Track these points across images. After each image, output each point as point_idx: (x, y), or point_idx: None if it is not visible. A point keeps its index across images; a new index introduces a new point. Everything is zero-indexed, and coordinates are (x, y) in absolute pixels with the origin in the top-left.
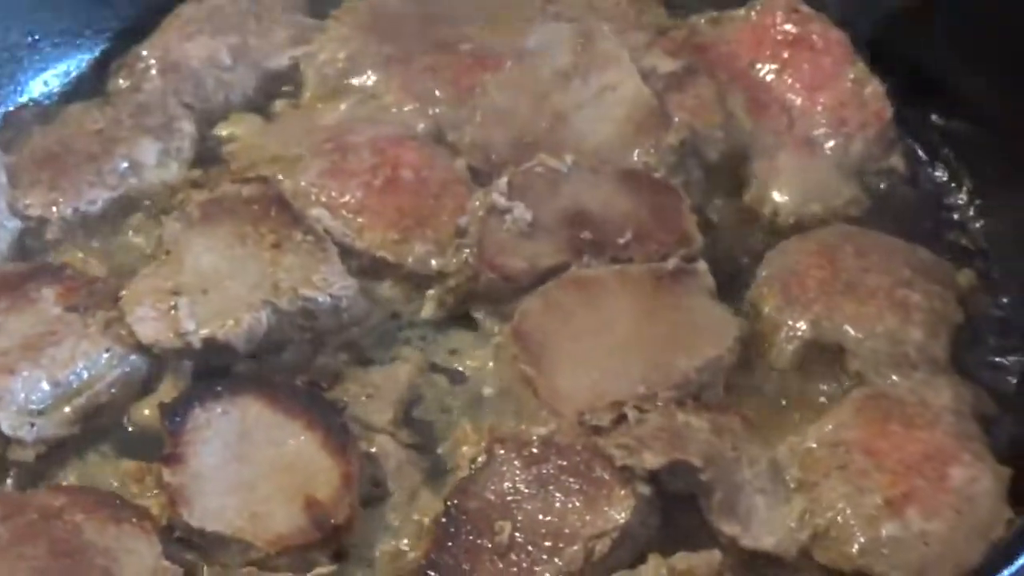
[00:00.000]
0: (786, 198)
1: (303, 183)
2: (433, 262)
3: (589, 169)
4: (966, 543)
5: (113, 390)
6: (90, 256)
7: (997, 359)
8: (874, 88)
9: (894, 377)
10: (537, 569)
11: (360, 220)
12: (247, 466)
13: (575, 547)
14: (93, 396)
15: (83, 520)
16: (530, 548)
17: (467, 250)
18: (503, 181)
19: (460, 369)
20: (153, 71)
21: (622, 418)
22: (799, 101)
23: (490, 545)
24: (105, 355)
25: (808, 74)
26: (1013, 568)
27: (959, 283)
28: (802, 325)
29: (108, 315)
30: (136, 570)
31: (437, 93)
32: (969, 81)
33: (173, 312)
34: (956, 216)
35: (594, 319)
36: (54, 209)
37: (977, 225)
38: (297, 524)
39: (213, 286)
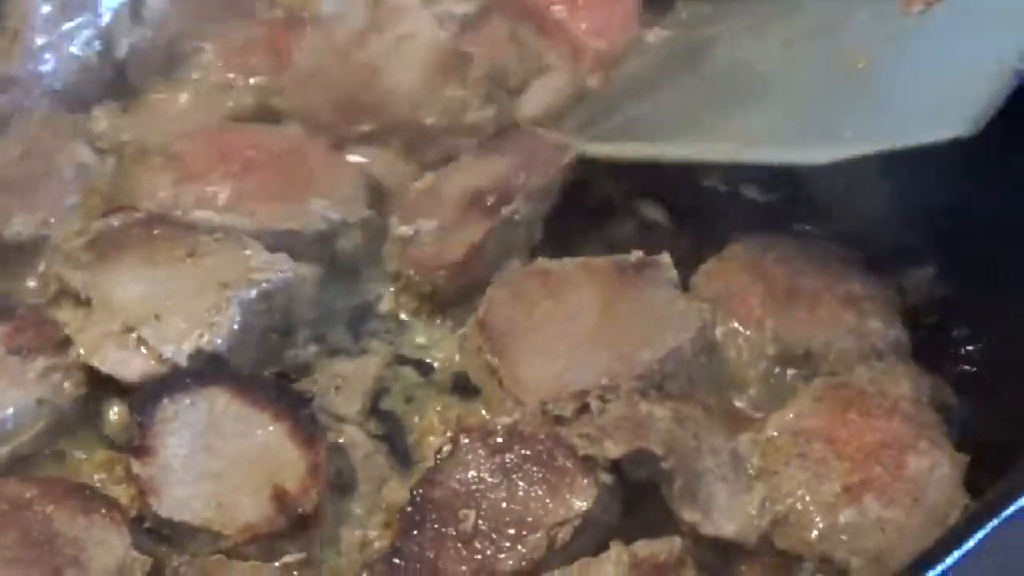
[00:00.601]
0: None
1: (162, 194)
2: (331, 215)
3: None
4: (923, 529)
5: (42, 439)
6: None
7: (954, 349)
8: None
9: (859, 369)
10: (501, 556)
11: (245, 205)
12: (215, 457)
13: (538, 535)
14: (18, 446)
15: (53, 510)
16: (494, 536)
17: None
18: (394, 219)
19: (428, 360)
20: None
21: (585, 408)
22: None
23: (455, 533)
24: (33, 406)
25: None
26: (963, 550)
27: (917, 275)
28: (763, 344)
29: (48, 362)
30: (106, 560)
31: (254, 62)
32: None
33: (141, 345)
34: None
35: (558, 310)
36: None
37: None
38: (265, 513)
39: (161, 310)
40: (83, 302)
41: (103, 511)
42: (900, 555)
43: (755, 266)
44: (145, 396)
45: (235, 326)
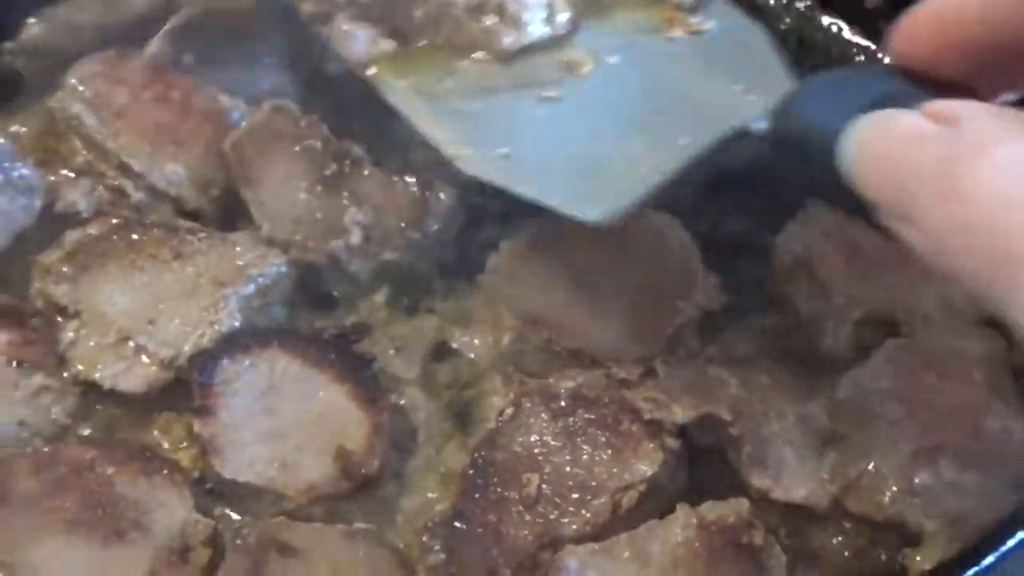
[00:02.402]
0: None
1: (73, 80)
2: (177, 185)
3: None
4: (999, 493)
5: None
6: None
7: None
8: None
9: (933, 330)
10: (564, 521)
11: (118, 123)
12: (277, 418)
13: (602, 499)
14: None
15: (114, 473)
16: (557, 500)
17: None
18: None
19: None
20: None
21: (650, 371)
22: None
23: (517, 497)
24: (12, 428)
25: None
26: None
27: None
28: (847, 310)
29: (44, 381)
30: (168, 523)
31: None
32: None
33: (140, 353)
34: None
35: (570, 264)
36: None
37: None
38: (328, 474)
39: (155, 316)
40: (73, 316)
41: (165, 473)
42: (975, 519)
43: (837, 230)
44: (204, 357)
45: (235, 323)
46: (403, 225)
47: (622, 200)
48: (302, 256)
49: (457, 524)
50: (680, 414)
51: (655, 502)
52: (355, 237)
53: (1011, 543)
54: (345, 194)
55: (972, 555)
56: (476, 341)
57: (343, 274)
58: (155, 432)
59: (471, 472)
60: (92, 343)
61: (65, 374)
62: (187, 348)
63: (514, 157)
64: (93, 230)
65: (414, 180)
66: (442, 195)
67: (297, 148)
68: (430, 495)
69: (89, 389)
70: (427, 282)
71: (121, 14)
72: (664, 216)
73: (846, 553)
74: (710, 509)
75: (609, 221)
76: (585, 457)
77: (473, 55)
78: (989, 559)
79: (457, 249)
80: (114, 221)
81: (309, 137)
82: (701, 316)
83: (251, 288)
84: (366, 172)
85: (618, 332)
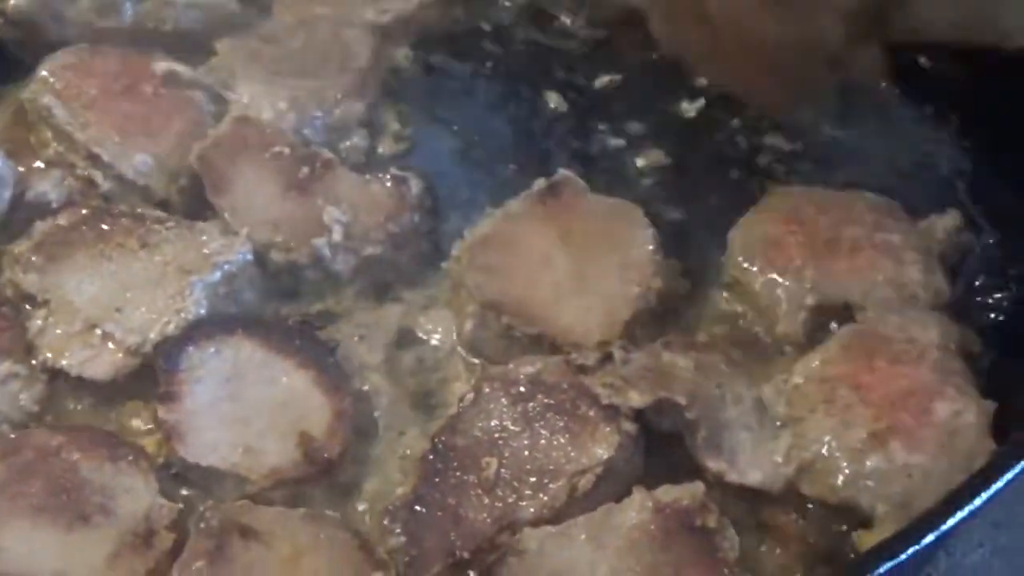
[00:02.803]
0: None
1: (44, 72)
2: (144, 174)
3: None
4: (949, 475)
5: None
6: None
7: (981, 298)
8: None
9: (887, 316)
10: (522, 504)
11: (88, 114)
12: (241, 404)
13: (560, 483)
14: None
15: (80, 458)
16: (516, 484)
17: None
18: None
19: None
20: None
21: (608, 357)
22: None
23: (476, 481)
24: None
25: None
26: (991, 491)
27: (945, 224)
28: (802, 294)
29: (12, 368)
30: (133, 507)
31: None
32: None
33: (107, 341)
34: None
35: (532, 251)
36: None
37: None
38: (291, 458)
39: (122, 304)
40: (41, 304)
41: (130, 458)
42: (926, 501)
43: (795, 215)
44: (169, 344)
45: (201, 311)
46: (382, 220)
47: None
48: (285, 257)
49: (417, 508)
50: (637, 399)
51: (612, 486)
52: (336, 234)
53: (952, 522)
54: (320, 195)
55: (914, 534)
56: (439, 328)
57: (323, 270)
58: (121, 418)
59: (431, 457)
60: (60, 331)
61: (33, 362)
62: (153, 335)
63: None
64: (62, 220)
65: (387, 176)
66: (413, 188)
67: (266, 155)
68: (391, 479)
69: (56, 376)
70: (395, 271)
71: (112, 19)
72: (624, 203)
73: (799, 534)
74: (665, 492)
75: None
76: (543, 441)
77: None
78: (929, 538)
79: (429, 239)
80: (83, 211)
81: (276, 144)
82: (659, 301)
83: (217, 276)
84: (338, 172)
85: (577, 318)
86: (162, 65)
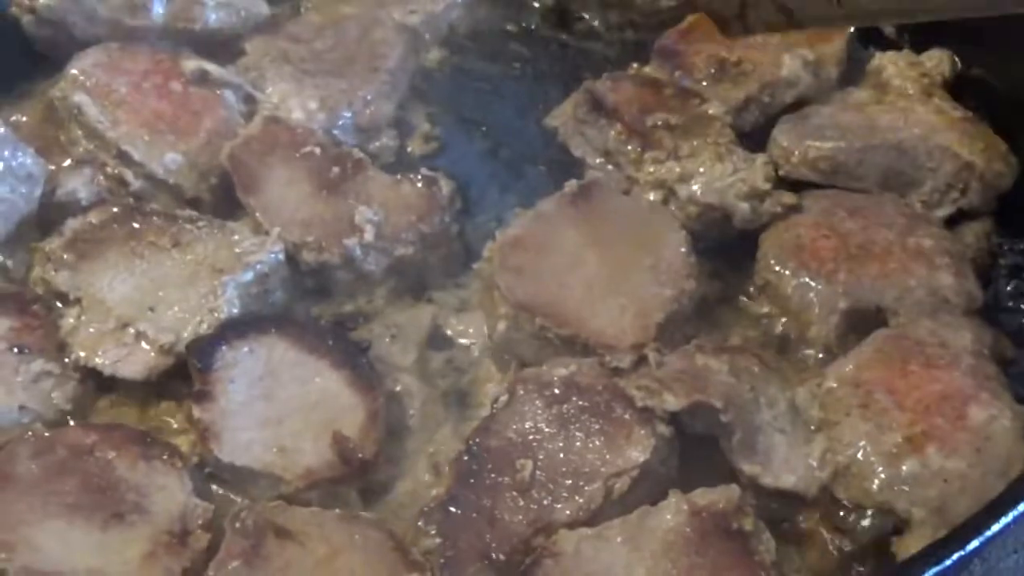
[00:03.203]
0: None
1: (74, 71)
2: (175, 172)
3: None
4: (984, 480)
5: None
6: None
7: (1014, 302)
8: None
9: (922, 320)
10: (558, 507)
11: (118, 112)
12: (275, 403)
13: (595, 485)
14: None
15: (114, 457)
16: (551, 486)
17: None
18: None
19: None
20: None
21: (643, 359)
22: None
23: (511, 483)
24: (14, 413)
25: None
26: None
27: (976, 228)
28: (835, 298)
29: (45, 366)
30: (167, 506)
31: None
32: None
33: (140, 340)
34: None
35: (563, 252)
36: None
37: None
38: (325, 459)
39: (154, 302)
40: (74, 303)
41: (164, 457)
42: (961, 506)
43: (827, 219)
44: (203, 343)
45: (233, 310)
46: (413, 220)
47: None
48: (317, 257)
49: (452, 509)
50: (672, 402)
51: (647, 488)
52: (368, 235)
53: (995, 528)
54: (351, 195)
55: (956, 540)
56: (471, 329)
57: (354, 270)
58: (155, 417)
59: (466, 458)
60: (92, 329)
61: (66, 360)
62: (186, 334)
63: None
64: (93, 218)
65: (417, 177)
66: (444, 188)
67: (297, 155)
68: (423, 480)
69: (89, 375)
70: (428, 272)
71: (142, 18)
72: (656, 205)
73: (834, 538)
74: (701, 495)
75: None
76: (578, 444)
77: None
78: (974, 544)
79: (460, 240)
80: (114, 209)
81: (307, 144)
82: (692, 304)
83: (249, 275)
84: (369, 173)
85: (610, 319)
86: (192, 63)
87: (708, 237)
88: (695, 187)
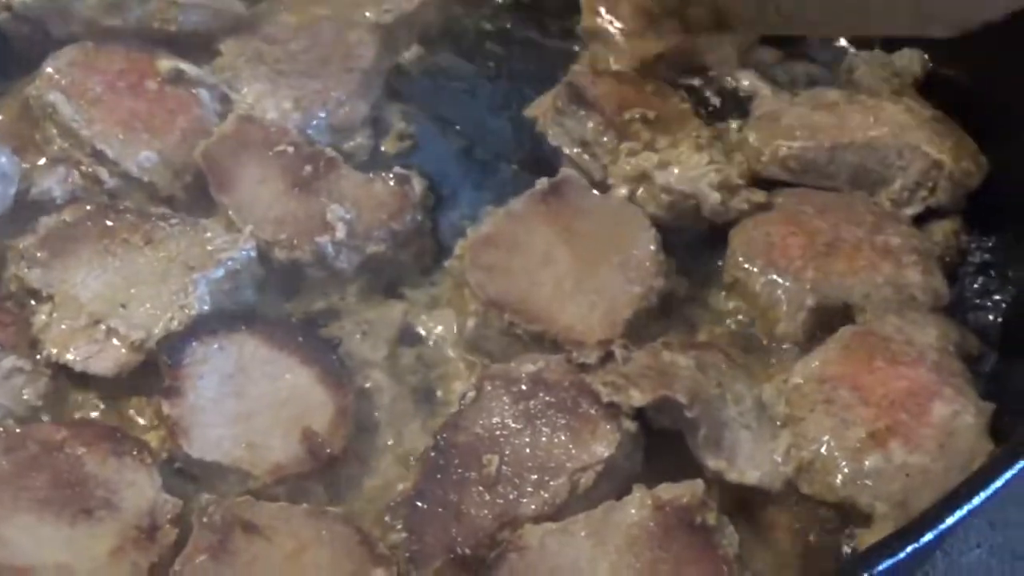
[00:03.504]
0: None
1: (49, 69)
2: (149, 170)
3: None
4: (947, 475)
5: None
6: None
7: (980, 300)
8: None
9: (887, 317)
10: (524, 501)
11: (93, 111)
12: (244, 400)
13: (560, 480)
14: None
15: (84, 453)
16: (517, 481)
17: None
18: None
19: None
20: None
21: (609, 356)
22: None
23: (478, 478)
24: None
25: None
26: (989, 491)
27: (944, 226)
28: (803, 295)
29: (16, 363)
30: (137, 502)
31: None
32: None
33: (112, 336)
34: None
35: (534, 250)
36: None
37: None
38: (294, 454)
39: (126, 298)
40: (46, 299)
41: (134, 453)
42: (924, 500)
43: (794, 216)
44: (173, 339)
45: (204, 307)
46: (385, 218)
47: None
48: (289, 255)
49: (419, 503)
50: (638, 397)
51: (612, 483)
52: (340, 232)
53: (950, 521)
54: (324, 193)
55: (913, 532)
56: (441, 326)
57: (326, 268)
58: (125, 413)
59: (433, 453)
60: (64, 326)
61: (37, 356)
62: (157, 331)
63: None
64: (67, 216)
65: (390, 175)
66: (416, 186)
67: (270, 153)
68: (391, 476)
69: (61, 371)
70: (399, 269)
71: (118, 17)
72: (626, 203)
73: (798, 532)
74: (665, 490)
75: None
76: (544, 439)
77: None
78: (928, 536)
79: (432, 237)
80: (88, 207)
81: (280, 142)
82: (660, 301)
83: (221, 272)
84: (342, 171)
85: (579, 316)
86: (167, 63)
87: (678, 231)
88: (671, 175)
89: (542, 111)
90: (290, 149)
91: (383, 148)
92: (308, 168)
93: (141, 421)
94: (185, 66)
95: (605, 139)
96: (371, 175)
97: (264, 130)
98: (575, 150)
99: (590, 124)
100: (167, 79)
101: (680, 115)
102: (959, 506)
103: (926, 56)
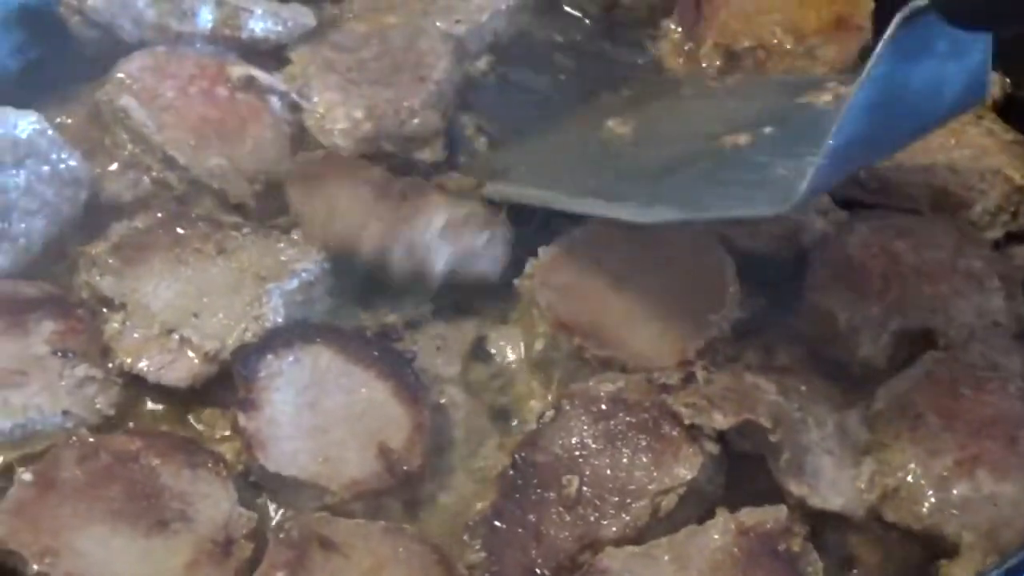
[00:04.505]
0: None
1: (120, 74)
2: (220, 177)
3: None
4: None
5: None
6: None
7: None
8: None
9: (972, 343)
10: (604, 523)
11: (164, 117)
12: (320, 413)
13: (642, 502)
14: (27, 453)
15: (159, 464)
16: (597, 502)
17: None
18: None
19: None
20: None
21: (691, 377)
22: None
23: (557, 498)
24: (58, 418)
25: None
26: None
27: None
28: (884, 319)
29: (89, 372)
30: (212, 515)
31: None
32: None
33: (185, 346)
34: None
35: (606, 273)
36: None
37: None
38: (371, 470)
39: (199, 308)
40: (118, 307)
41: (209, 465)
42: (1012, 531)
43: (877, 238)
44: (248, 351)
45: (278, 318)
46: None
47: None
48: (379, 245)
49: (497, 523)
50: (720, 420)
51: (694, 506)
52: (438, 222)
53: None
54: (409, 221)
55: (1007, 568)
56: (511, 344)
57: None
58: (200, 424)
59: (511, 472)
60: (136, 335)
61: (110, 365)
62: (231, 342)
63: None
64: (138, 222)
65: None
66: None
67: (358, 179)
68: (467, 493)
69: (133, 380)
70: (476, 289)
71: (189, 24)
72: (701, 230)
73: (882, 562)
74: (749, 515)
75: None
76: (625, 460)
77: None
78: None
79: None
80: (159, 215)
81: (366, 172)
82: (732, 330)
83: (294, 283)
84: (430, 195)
85: (649, 343)
86: (239, 69)
87: (759, 256)
88: None
89: None
90: (376, 176)
91: (462, 159)
92: (396, 188)
93: (217, 433)
94: (256, 72)
95: None
96: (458, 201)
97: (350, 160)
98: None
99: None
100: (238, 86)
101: None
102: None
103: (1007, 79)
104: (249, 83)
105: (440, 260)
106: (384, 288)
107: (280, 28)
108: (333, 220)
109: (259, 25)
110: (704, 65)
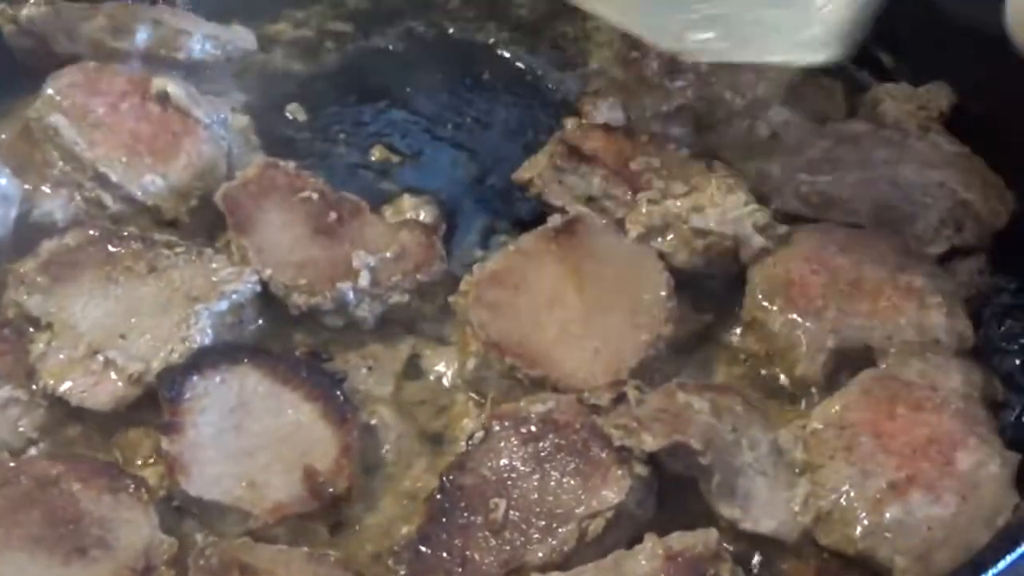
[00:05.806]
0: None
1: (50, 90)
2: (153, 194)
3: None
4: (971, 528)
5: None
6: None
7: (1005, 344)
8: None
9: (911, 361)
10: (531, 548)
11: (95, 134)
12: (246, 436)
13: (569, 526)
14: None
15: (79, 489)
16: (524, 526)
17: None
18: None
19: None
20: None
21: (622, 397)
22: None
23: (484, 522)
24: None
25: None
26: (1017, 553)
27: (969, 266)
28: (823, 336)
29: (12, 393)
30: (132, 540)
31: None
32: None
33: (109, 368)
34: None
35: (541, 290)
36: None
37: None
38: (296, 493)
39: (126, 329)
40: (45, 327)
41: (131, 490)
42: (946, 554)
43: (817, 254)
44: (173, 372)
45: (206, 339)
46: (411, 268)
47: None
48: (308, 300)
49: (423, 548)
50: (650, 442)
51: (623, 531)
52: (363, 280)
53: None
54: (348, 240)
55: None
56: (443, 364)
57: (346, 316)
58: (123, 448)
59: (439, 496)
60: (62, 356)
61: (34, 387)
62: (156, 363)
63: None
64: (70, 240)
65: (417, 225)
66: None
67: (293, 199)
68: (395, 515)
69: (57, 402)
70: (417, 317)
71: (125, 41)
72: (642, 246)
73: None
74: (678, 539)
75: None
76: (553, 483)
77: None
78: None
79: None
80: (91, 232)
81: (305, 188)
82: (669, 348)
83: (224, 305)
84: (367, 219)
85: (582, 362)
86: (159, 82)
87: (697, 273)
88: (708, 219)
89: (536, 172)
90: (314, 195)
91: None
92: (332, 215)
93: (139, 457)
94: (173, 89)
95: (617, 192)
96: (397, 222)
97: (288, 176)
98: (581, 209)
99: (595, 179)
100: (155, 99)
101: (681, 161)
102: (987, 568)
103: (953, 90)
104: (164, 97)
105: (371, 317)
106: (329, 324)
107: (219, 51)
108: (264, 252)
109: (198, 47)
110: None
